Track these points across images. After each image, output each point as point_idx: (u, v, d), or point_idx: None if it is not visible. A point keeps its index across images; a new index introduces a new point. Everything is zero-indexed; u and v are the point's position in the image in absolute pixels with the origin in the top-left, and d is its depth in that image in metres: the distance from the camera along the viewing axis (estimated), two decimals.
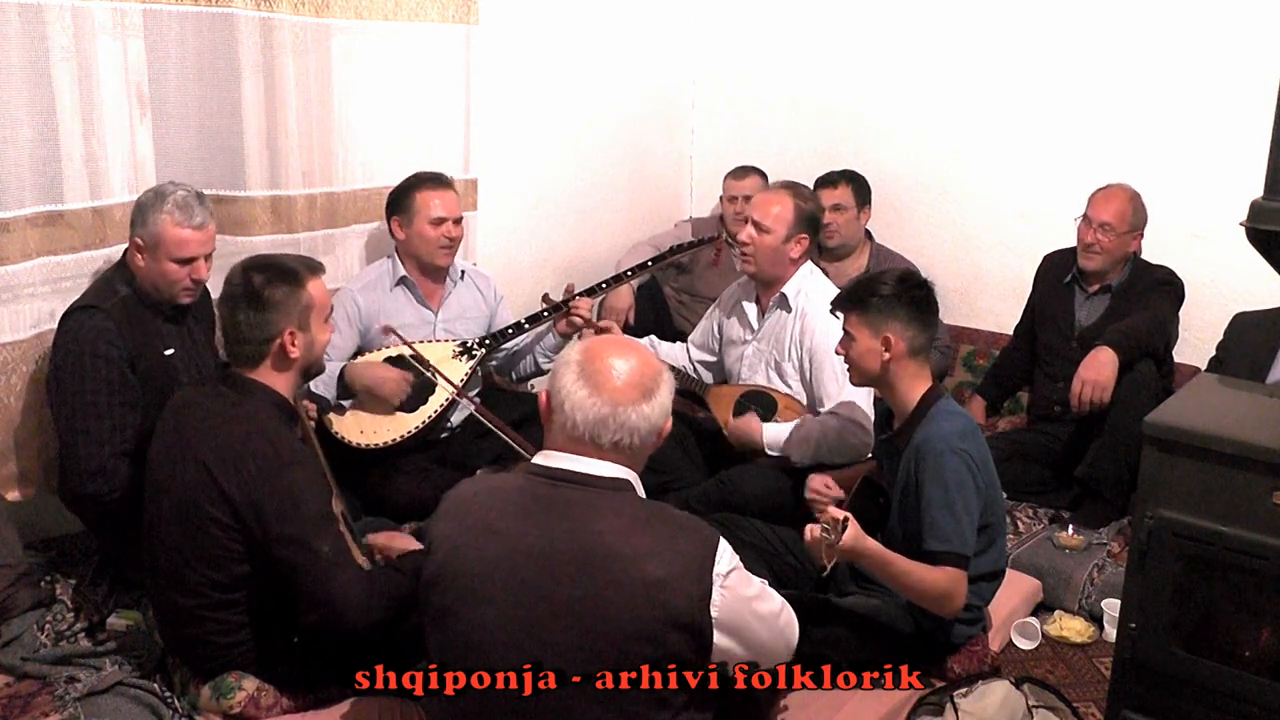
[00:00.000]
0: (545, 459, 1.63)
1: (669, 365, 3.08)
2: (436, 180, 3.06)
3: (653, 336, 3.38)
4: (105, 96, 2.54)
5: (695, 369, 3.27)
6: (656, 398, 1.62)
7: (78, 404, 2.36)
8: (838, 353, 2.41)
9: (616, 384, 1.59)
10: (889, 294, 2.29)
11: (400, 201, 3.04)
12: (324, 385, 2.88)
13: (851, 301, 2.34)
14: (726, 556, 1.56)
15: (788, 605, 1.71)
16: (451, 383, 2.93)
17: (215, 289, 2.37)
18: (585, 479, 1.59)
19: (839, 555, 2.04)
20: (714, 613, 1.53)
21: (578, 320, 3.12)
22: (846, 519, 2.03)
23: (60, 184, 2.50)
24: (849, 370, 2.40)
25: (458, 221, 3.07)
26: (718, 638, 1.54)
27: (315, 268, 2.14)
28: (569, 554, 1.53)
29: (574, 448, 1.61)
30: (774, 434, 2.88)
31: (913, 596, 2.19)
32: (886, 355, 2.28)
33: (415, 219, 3.01)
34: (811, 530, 2.02)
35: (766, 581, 1.71)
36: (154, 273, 2.44)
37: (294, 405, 2.13)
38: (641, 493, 1.66)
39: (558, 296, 3.20)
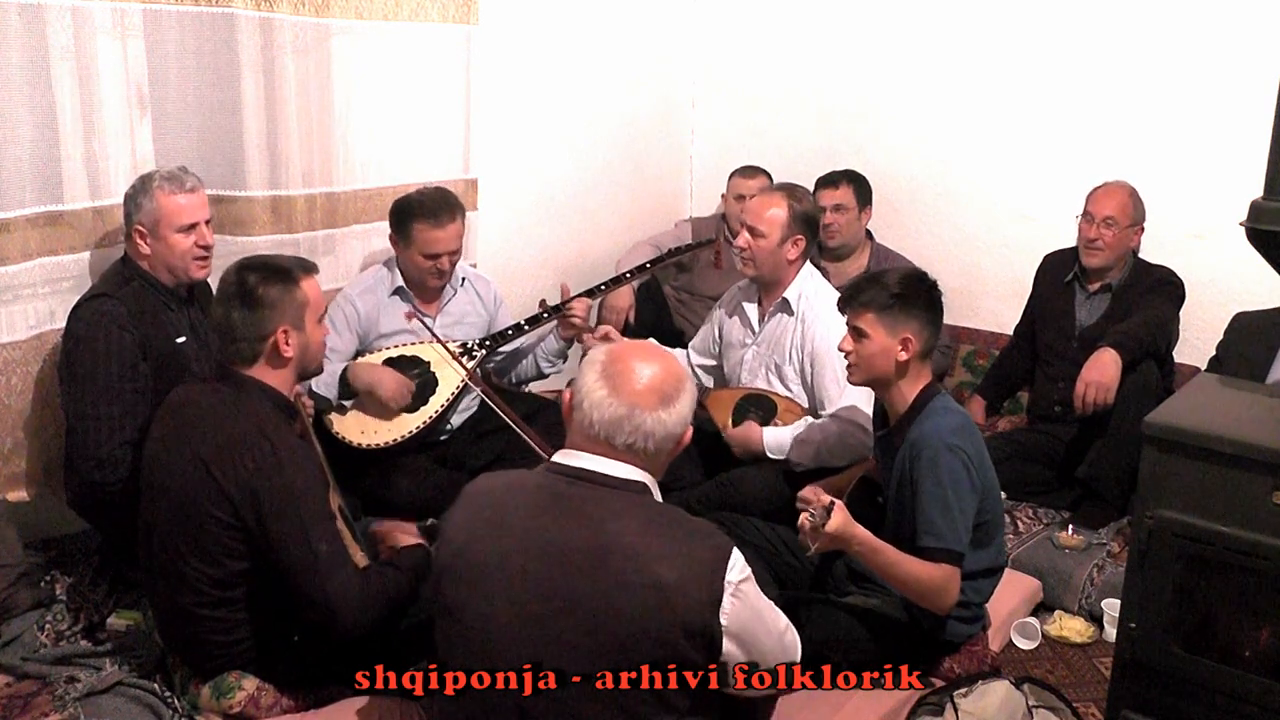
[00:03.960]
0: (565, 457, 1.65)
1: None
2: (436, 216, 2.92)
3: (653, 340, 3.35)
4: (105, 96, 2.54)
5: (696, 374, 3.25)
6: (676, 406, 1.62)
7: (90, 387, 2.35)
8: (841, 349, 2.36)
9: (636, 387, 1.60)
10: (908, 294, 2.26)
11: (400, 224, 2.98)
12: (325, 386, 2.87)
13: (869, 299, 2.28)
14: (739, 565, 1.57)
15: (792, 627, 1.72)
16: (465, 366, 2.93)
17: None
18: (603, 479, 1.60)
19: (828, 541, 2.06)
20: (724, 620, 1.53)
21: (575, 321, 3.11)
22: (833, 503, 2.04)
23: (60, 184, 2.50)
24: (851, 369, 2.35)
25: (454, 252, 3.01)
26: (727, 645, 1.55)
27: (309, 268, 2.14)
28: (581, 551, 1.54)
29: (592, 447, 1.62)
30: (774, 440, 2.87)
31: (903, 588, 2.19)
32: (904, 355, 2.26)
33: (410, 248, 2.97)
34: (802, 517, 2.05)
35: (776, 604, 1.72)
36: (162, 252, 2.45)
37: (293, 402, 2.13)
38: (659, 497, 1.67)
39: (555, 301, 3.18)
